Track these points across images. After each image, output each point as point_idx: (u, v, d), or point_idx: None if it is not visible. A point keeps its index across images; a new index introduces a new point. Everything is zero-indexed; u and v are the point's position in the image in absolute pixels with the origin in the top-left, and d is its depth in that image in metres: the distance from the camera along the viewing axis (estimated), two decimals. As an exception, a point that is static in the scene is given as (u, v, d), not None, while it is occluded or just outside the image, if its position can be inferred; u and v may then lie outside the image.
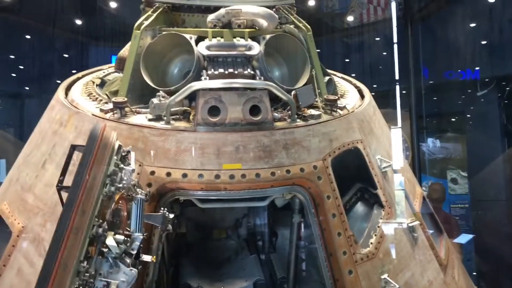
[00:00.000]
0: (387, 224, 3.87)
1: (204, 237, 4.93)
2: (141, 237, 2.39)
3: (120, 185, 2.39)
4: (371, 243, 3.66)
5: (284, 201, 3.79)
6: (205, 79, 3.54)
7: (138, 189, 3.05)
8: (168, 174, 3.35)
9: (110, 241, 2.20)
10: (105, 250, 2.18)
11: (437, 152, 11.76)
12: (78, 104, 3.89)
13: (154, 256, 2.99)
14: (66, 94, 4.22)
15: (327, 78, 4.25)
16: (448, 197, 11.09)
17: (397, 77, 10.26)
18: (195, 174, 3.34)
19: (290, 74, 4.07)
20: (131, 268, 2.26)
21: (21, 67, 10.18)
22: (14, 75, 10.24)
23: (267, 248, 4.73)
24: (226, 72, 3.61)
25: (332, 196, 3.54)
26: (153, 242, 3.33)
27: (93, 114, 3.67)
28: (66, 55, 10.54)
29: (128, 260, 2.29)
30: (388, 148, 4.26)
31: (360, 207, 4.00)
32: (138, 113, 3.66)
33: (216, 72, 3.60)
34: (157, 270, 3.38)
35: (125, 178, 2.44)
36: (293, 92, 3.72)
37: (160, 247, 3.41)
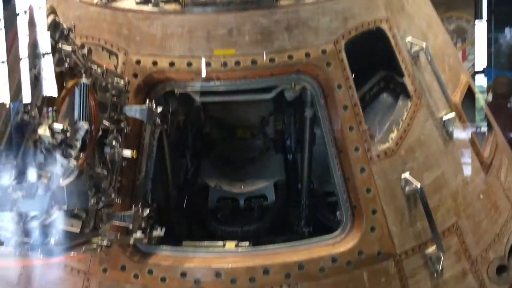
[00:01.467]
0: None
1: (227, 136, 4.67)
2: (86, 127, 2.13)
3: (61, 69, 2.09)
4: (391, 138, 3.19)
5: (294, 93, 3.36)
6: None
7: (115, 78, 2.77)
8: (154, 63, 3.02)
9: (42, 130, 1.96)
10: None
11: (516, 44, 10.39)
12: (70, -9, 3.57)
13: (135, 151, 2.76)
14: None
15: None
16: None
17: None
18: (183, 62, 2.98)
19: None
20: (71, 160, 2.03)
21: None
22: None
23: (294, 147, 4.40)
24: None
25: (344, 86, 3.06)
26: (144, 137, 3.10)
27: (80, 0, 3.34)
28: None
29: (72, 152, 2.06)
30: (425, 28, 3.59)
31: (383, 98, 3.48)
32: (129, -3, 3.28)
33: None
34: (152, 168, 3.18)
35: (69, 60, 2.12)
36: (302, -37, 3.13)
37: (154, 143, 3.18)
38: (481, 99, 4.23)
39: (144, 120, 2.89)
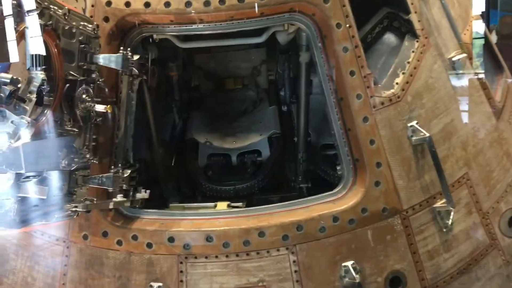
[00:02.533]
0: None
1: (217, 88, 4.34)
2: (41, 76, 1.80)
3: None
4: (397, 83, 2.88)
5: (288, 36, 3.02)
6: None
7: (82, 22, 2.41)
8: (127, 4, 2.65)
9: (-15, 81, 1.64)
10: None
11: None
12: None
13: (109, 106, 2.44)
14: None
15: None
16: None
17: None
18: (160, 2, 2.62)
19: None
20: (23, 116, 1.72)
21: None
22: None
23: (288, 98, 4.09)
24: None
25: (343, 25, 2.71)
26: (121, 90, 2.77)
27: None
28: None
29: (27, 107, 1.75)
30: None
31: (386, 38, 3.14)
32: None
33: None
34: (132, 124, 2.87)
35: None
36: None
37: (133, 96, 2.86)
38: (477, 47, 3.87)
39: (119, 69, 2.57)
